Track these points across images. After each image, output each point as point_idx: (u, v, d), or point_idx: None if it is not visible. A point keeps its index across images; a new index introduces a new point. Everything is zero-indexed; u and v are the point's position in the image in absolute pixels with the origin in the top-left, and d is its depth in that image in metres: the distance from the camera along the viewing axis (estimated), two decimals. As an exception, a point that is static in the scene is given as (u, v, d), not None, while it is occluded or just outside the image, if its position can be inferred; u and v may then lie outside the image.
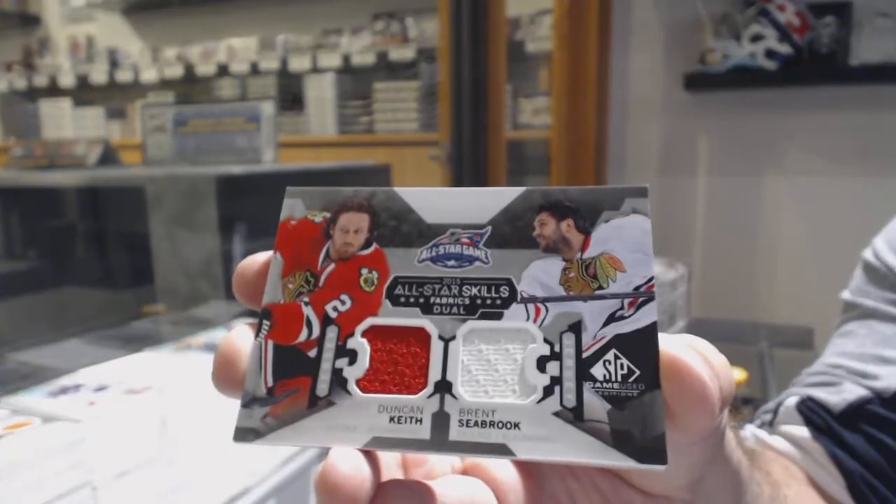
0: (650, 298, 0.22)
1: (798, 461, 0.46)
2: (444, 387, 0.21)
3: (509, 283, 0.22)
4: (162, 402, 0.59)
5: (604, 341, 0.21)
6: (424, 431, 0.20)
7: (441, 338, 0.22)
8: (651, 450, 0.19)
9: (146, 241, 1.12)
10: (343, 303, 0.22)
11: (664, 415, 0.20)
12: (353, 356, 0.22)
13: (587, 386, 0.20)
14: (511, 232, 0.23)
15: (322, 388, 0.21)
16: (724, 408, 0.21)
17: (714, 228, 2.19)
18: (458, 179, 1.76)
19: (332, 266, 0.23)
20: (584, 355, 0.21)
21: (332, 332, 0.22)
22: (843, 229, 2.00)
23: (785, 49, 1.91)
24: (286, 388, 0.21)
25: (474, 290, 0.22)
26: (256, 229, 1.14)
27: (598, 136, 2.13)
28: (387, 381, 0.21)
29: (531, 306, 0.22)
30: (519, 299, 0.22)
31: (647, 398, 0.20)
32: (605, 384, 0.20)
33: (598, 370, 0.21)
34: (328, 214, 0.24)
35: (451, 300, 0.22)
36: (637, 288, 0.22)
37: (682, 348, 0.20)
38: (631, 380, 0.20)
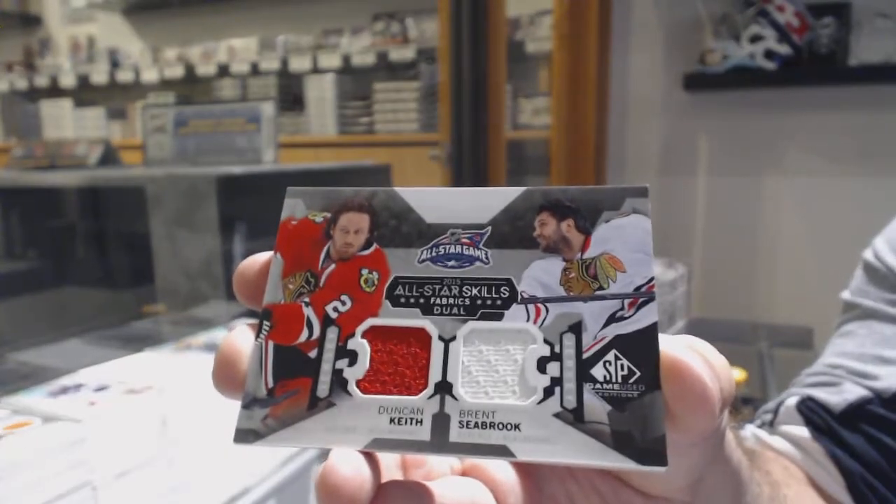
0: (650, 299, 0.21)
1: (798, 461, 0.46)
2: (444, 388, 0.21)
3: (509, 283, 0.22)
4: (162, 402, 0.59)
5: (604, 342, 0.21)
6: (425, 433, 0.20)
7: (441, 338, 0.22)
8: (651, 451, 0.19)
9: (146, 241, 1.12)
10: (343, 303, 0.22)
11: (664, 416, 0.20)
12: (353, 357, 0.22)
13: (587, 387, 0.20)
14: (511, 232, 0.23)
15: (322, 389, 0.21)
16: (725, 409, 0.21)
17: (714, 228, 2.19)
18: (458, 179, 1.76)
19: (332, 266, 0.23)
20: (585, 356, 0.21)
21: (332, 333, 0.22)
22: (843, 229, 2.00)
23: (784, 49, 1.91)
24: (286, 388, 0.21)
25: (474, 291, 0.22)
26: (257, 229, 1.14)
27: (598, 137, 2.13)
28: (387, 382, 0.21)
29: (531, 307, 0.22)
30: (519, 300, 0.22)
31: (648, 399, 0.20)
32: (605, 385, 0.20)
33: (598, 371, 0.21)
34: (328, 215, 0.24)
35: (451, 301, 0.22)
36: (637, 288, 0.22)
37: (682, 349, 0.20)
38: (631, 381, 0.20)
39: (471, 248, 0.23)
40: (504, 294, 0.22)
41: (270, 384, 0.21)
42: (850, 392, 0.46)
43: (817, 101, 2.01)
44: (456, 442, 0.20)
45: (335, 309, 0.22)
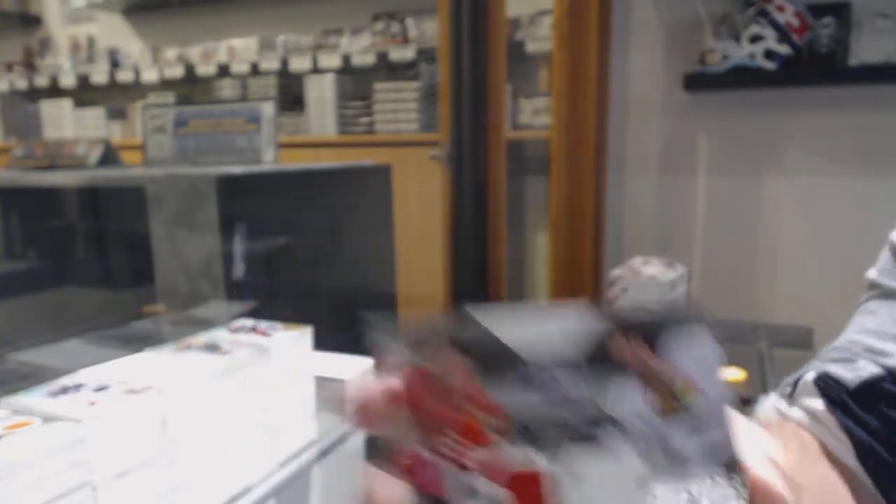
0: (727, 423, 0.24)
1: (813, 431, 0.49)
2: None
3: (613, 420, 0.23)
4: (162, 403, 0.59)
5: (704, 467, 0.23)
6: None
7: (563, 477, 0.23)
8: None
9: (146, 241, 1.12)
10: (469, 449, 0.23)
11: None
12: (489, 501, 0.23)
13: None
14: (600, 362, 0.24)
15: None
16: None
17: (714, 228, 2.19)
18: (458, 179, 1.76)
19: (453, 414, 0.24)
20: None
21: (465, 479, 0.23)
22: (843, 229, 2.00)
23: (784, 49, 1.91)
24: None
25: (584, 428, 0.23)
26: (257, 229, 1.15)
27: (598, 136, 2.13)
28: None
29: (639, 439, 0.23)
30: (625, 434, 0.23)
31: None
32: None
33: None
34: (434, 359, 0.25)
35: (566, 437, 0.23)
36: (715, 410, 0.24)
37: (768, 472, 0.23)
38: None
39: (572, 386, 0.24)
40: (609, 428, 0.23)
41: None
42: (865, 369, 0.48)
43: (817, 101, 2.01)
44: None
45: (461, 454, 0.23)
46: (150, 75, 3.37)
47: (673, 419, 0.23)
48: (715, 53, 1.97)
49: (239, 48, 3.19)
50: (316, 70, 2.96)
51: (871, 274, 0.57)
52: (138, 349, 0.69)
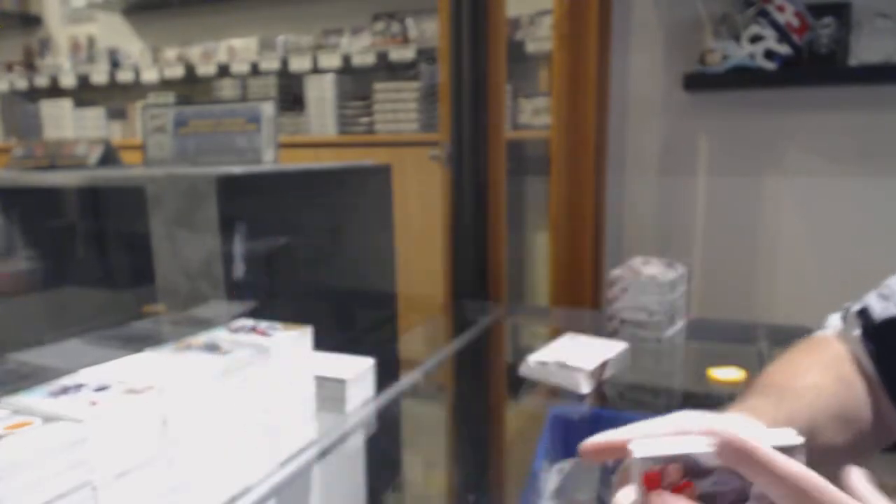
0: None
1: (851, 349, 0.65)
2: None
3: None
4: (162, 402, 0.59)
5: None
6: None
7: None
8: None
9: (146, 241, 1.12)
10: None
11: None
12: None
13: None
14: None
15: None
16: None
17: (714, 228, 2.19)
18: (458, 179, 1.77)
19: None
20: None
21: None
22: (842, 229, 2.00)
23: (784, 49, 1.91)
24: None
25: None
26: (257, 229, 1.15)
27: (598, 136, 2.13)
28: None
29: None
30: None
31: None
32: None
33: None
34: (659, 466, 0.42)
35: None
36: None
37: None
38: None
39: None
40: None
41: None
42: (893, 309, 0.62)
43: (817, 101, 2.01)
44: None
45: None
46: (150, 75, 3.37)
47: None
48: (715, 53, 1.97)
49: (239, 48, 3.19)
50: (316, 70, 2.96)
51: None
52: (138, 349, 0.69)
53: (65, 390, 0.58)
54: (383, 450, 0.98)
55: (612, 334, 1.30)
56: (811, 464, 0.39)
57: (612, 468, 0.94)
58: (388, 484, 0.93)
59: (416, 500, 0.94)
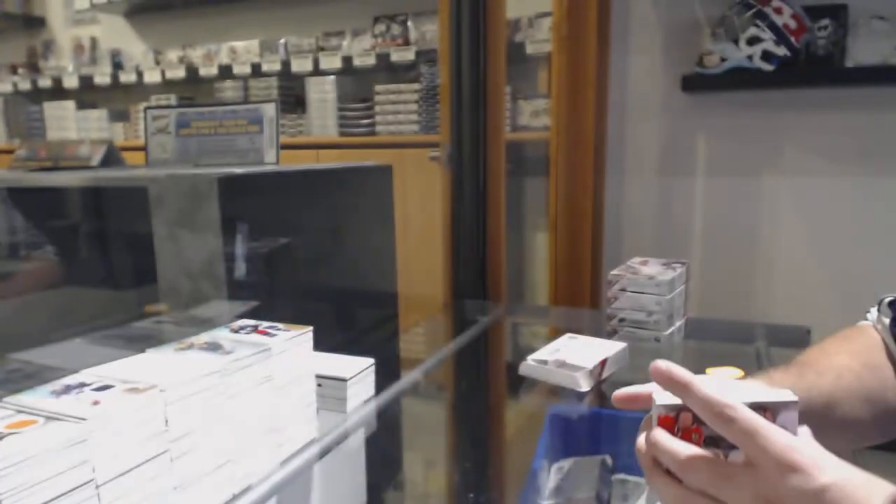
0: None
1: (883, 336, 0.70)
2: None
3: None
4: (164, 402, 0.60)
5: None
6: None
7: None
8: None
9: (149, 241, 1.12)
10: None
11: None
12: None
13: None
14: None
15: None
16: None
17: (712, 228, 2.20)
18: (458, 180, 1.77)
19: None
20: None
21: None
22: (840, 229, 2.00)
23: (782, 51, 1.91)
24: None
25: None
26: (258, 229, 1.15)
27: (598, 137, 2.13)
28: None
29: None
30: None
31: None
32: None
33: None
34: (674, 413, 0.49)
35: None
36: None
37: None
38: None
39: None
40: None
41: None
42: None
43: (814, 102, 2.02)
44: None
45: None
46: (152, 77, 3.38)
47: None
48: (713, 55, 1.98)
49: (241, 50, 3.20)
50: (317, 72, 2.96)
51: None
52: (141, 349, 0.70)
53: (67, 390, 0.59)
54: (384, 449, 0.98)
55: (611, 334, 1.31)
56: (827, 430, 0.50)
57: (612, 468, 0.95)
58: (388, 482, 0.94)
59: (417, 498, 0.94)
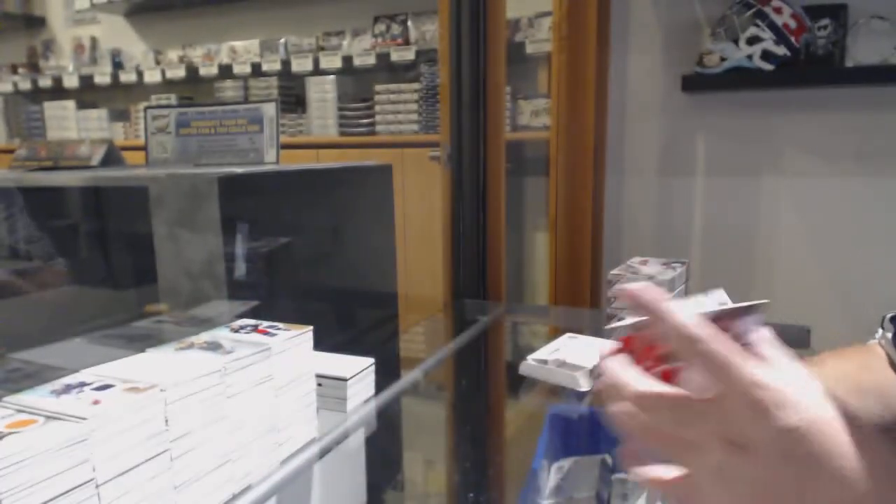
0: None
1: (887, 350, 0.70)
2: None
3: None
4: (164, 401, 0.60)
5: None
6: None
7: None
8: None
9: (149, 241, 1.13)
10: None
11: None
12: None
13: None
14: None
15: None
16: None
17: (712, 228, 2.20)
18: (458, 180, 1.77)
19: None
20: None
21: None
22: (840, 229, 2.00)
23: (782, 51, 1.91)
24: None
25: None
26: (258, 229, 1.15)
27: (597, 137, 2.14)
28: None
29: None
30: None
31: None
32: None
33: None
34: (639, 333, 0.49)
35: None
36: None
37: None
38: None
39: None
40: None
41: None
42: None
43: (814, 102, 2.02)
44: None
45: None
46: (152, 76, 3.38)
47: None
48: (713, 55, 1.98)
49: (241, 50, 3.20)
50: (317, 71, 2.97)
51: None
52: (141, 348, 0.70)
53: (67, 389, 0.59)
54: (384, 448, 0.98)
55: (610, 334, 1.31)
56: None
57: (612, 467, 0.95)
58: (388, 482, 0.94)
59: (417, 498, 0.94)
